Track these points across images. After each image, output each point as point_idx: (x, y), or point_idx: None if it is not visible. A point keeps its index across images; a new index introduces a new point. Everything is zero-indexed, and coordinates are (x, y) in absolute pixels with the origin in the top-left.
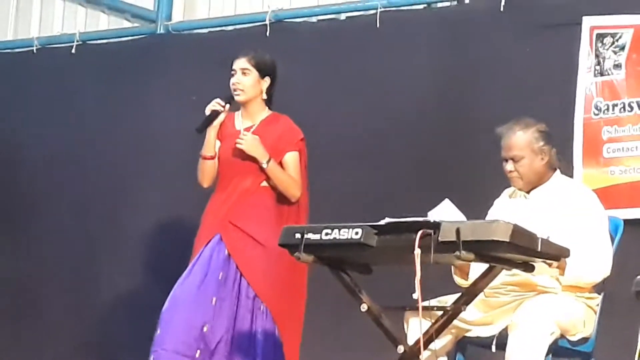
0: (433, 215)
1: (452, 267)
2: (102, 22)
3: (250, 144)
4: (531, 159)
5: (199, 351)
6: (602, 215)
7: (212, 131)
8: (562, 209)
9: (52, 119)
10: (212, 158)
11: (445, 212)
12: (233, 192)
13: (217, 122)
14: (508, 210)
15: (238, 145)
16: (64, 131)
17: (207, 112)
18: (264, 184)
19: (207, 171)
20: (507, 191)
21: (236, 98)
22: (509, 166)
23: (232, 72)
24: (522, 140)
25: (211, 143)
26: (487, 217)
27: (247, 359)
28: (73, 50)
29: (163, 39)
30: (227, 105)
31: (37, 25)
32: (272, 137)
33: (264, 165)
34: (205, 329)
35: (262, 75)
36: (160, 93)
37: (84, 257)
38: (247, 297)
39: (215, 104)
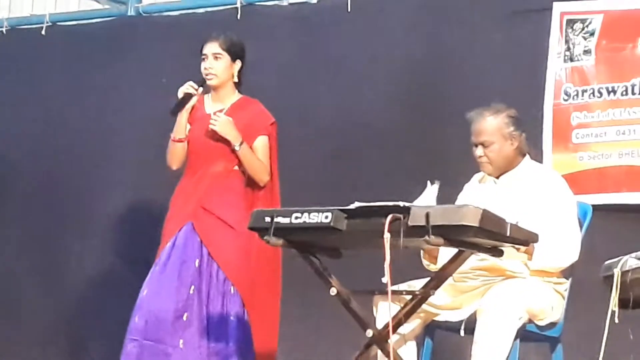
0: (420, 200)
1: (422, 251)
2: (73, 3)
3: (223, 125)
4: (501, 144)
5: (182, 341)
6: (570, 201)
7: (184, 114)
8: (531, 194)
9: (22, 100)
10: (183, 141)
11: (428, 196)
12: (204, 176)
13: (189, 105)
14: (477, 196)
15: (211, 126)
16: (33, 113)
17: (180, 94)
18: (236, 168)
19: (176, 154)
20: (477, 176)
21: (209, 82)
22: (478, 151)
23: (203, 57)
24: (492, 126)
25: (182, 126)
26: (457, 202)
27: (219, 341)
28: (43, 32)
29: (133, 21)
30: (200, 89)
31: (6, 6)
32: (242, 121)
33: (237, 148)
34: (185, 318)
35: (234, 59)
36: (130, 75)
37: (53, 237)
38: (218, 280)
39: (189, 87)
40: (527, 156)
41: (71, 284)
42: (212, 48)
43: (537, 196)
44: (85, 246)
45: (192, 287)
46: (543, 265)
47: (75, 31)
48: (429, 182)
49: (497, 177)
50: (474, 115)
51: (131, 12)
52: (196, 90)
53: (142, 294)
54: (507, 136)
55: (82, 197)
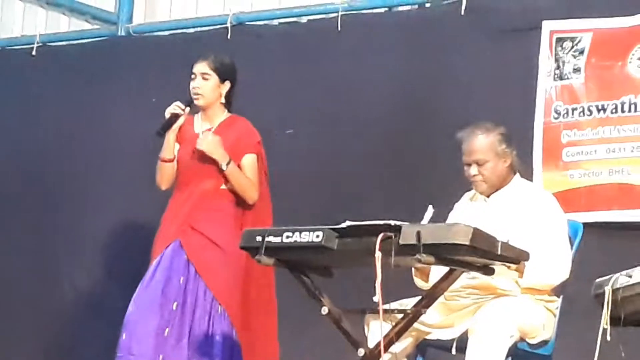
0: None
1: (413, 269)
2: (63, 23)
3: (209, 144)
4: (495, 162)
5: (162, 356)
6: (561, 219)
7: (171, 134)
8: (522, 212)
9: (12, 120)
10: (171, 161)
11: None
12: (192, 195)
13: (176, 125)
14: (468, 214)
15: (197, 146)
16: (23, 133)
17: (167, 115)
18: (224, 186)
19: (165, 174)
20: (468, 194)
21: (196, 102)
22: (472, 170)
23: (192, 76)
24: (485, 144)
25: (170, 146)
26: (448, 221)
27: (204, 359)
28: (33, 52)
29: (124, 41)
30: (187, 109)
31: None
32: (230, 139)
33: (224, 167)
34: (166, 334)
35: (222, 80)
36: (120, 95)
37: (43, 256)
38: (205, 299)
39: (175, 107)
40: (518, 174)
41: (62, 302)
42: (200, 68)
43: (527, 214)
44: (76, 264)
45: (175, 303)
46: (534, 283)
47: (65, 51)
48: (430, 207)
49: (488, 196)
50: (466, 134)
51: (121, 33)
52: (183, 110)
53: (128, 310)
54: (500, 154)
55: (72, 215)
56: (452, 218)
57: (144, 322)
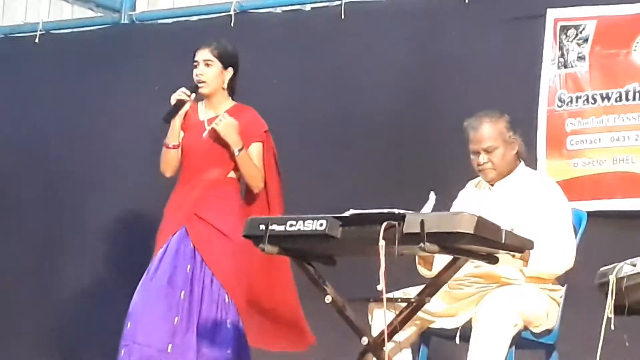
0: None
1: (417, 257)
2: (66, 11)
3: (227, 126)
4: (504, 148)
5: (170, 345)
6: (565, 208)
7: (177, 120)
8: (527, 201)
9: (15, 108)
10: (176, 147)
11: (427, 207)
12: (198, 183)
13: (182, 111)
14: (473, 202)
15: (215, 127)
16: (27, 121)
17: (173, 101)
18: (230, 175)
19: (170, 161)
20: (472, 182)
21: (200, 90)
22: (482, 158)
23: (195, 63)
24: (494, 131)
25: (176, 132)
26: (452, 209)
27: (214, 348)
28: (36, 40)
29: (127, 29)
30: (193, 95)
31: None
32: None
33: (236, 153)
34: (176, 322)
35: (225, 66)
36: (123, 83)
37: (48, 248)
38: (212, 288)
39: (181, 93)
40: (522, 162)
41: (66, 294)
42: (203, 55)
43: (532, 203)
44: (80, 256)
45: (183, 292)
46: (538, 272)
47: (68, 39)
48: (432, 193)
49: (493, 184)
50: (473, 122)
51: (125, 20)
52: (188, 96)
53: (134, 300)
54: (508, 141)
55: (75, 206)
56: (456, 206)
57: (150, 312)
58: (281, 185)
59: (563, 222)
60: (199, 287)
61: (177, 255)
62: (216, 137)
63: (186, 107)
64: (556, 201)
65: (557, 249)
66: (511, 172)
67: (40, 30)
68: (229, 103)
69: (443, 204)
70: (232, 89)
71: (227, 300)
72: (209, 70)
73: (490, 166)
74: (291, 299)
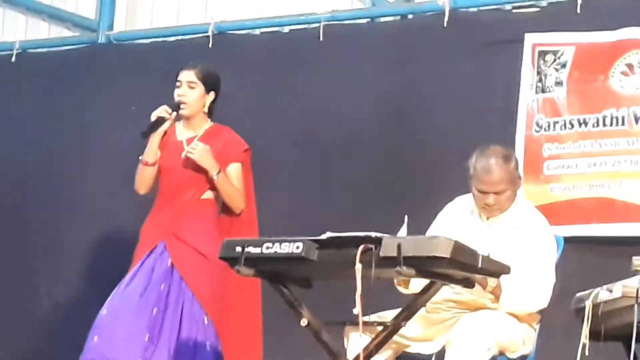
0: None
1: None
2: (43, 30)
3: (201, 154)
4: (512, 190)
5: None
6: (551, 248)
7: (156, 137)
8: (517, 236)
9: None
10: (153, 165)
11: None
12: (174, 204)
13: (162, 129)
14: (464, 229)
15: (189, 155)
16: (2, 140)
17: (153, 117)
18: (206, 196)
19: (145, 178)
20: (459, 200)
21: (180, 112)
22: (490, 200)
23: (178, 84)
24: (506, 175)
25: (154, 149)
26: (435, 223)
27: None
28: (13, 59)
29: (104, 49)
30: (174, 113)
31: None
32: (215, 148)
33: (214, 177)
34: (146, 339)
35: (208, 90)
36: (100, 103)
37: (22, 264)
38: (192, 309)
39: (162, 111)
40: (520, 195)
41: (40, 311)
42: (187, 76)
43: (520, 238)
44: (54, 273)
45: (155, 309)
46: (509, 309)
47: (45, 58)
48: (406, 217)
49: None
50: (485, 162)
51: (102, 40)
52: (169, 114)
53: (101, 313)
54: (516, 182)
55: (50, 224)
56: (441, 225)
57: (120, 327)
58: (255, 208)
59: (545, 261)
60: (176, 307)
61: (151, 273)
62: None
63: (166, 125)
64: (543, 240)
65: (532, 288)
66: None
67: (17, 49)
68: (208, 124)
69: (422, 225)
70: (211, 111)
71: (206, 322)
72: (192, 93)
73: (498, 207)
74: (257, 321)
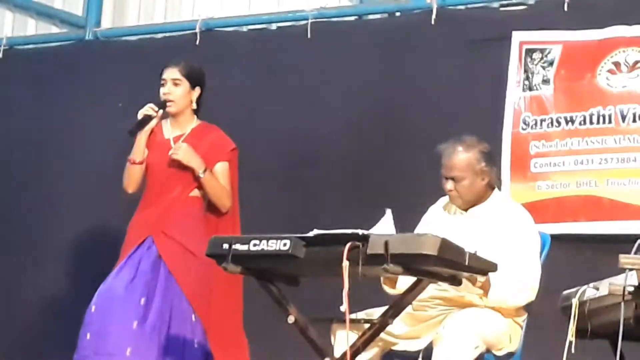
0: (377, 229)
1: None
2: (30, 27)
3: (185, 153)
4: (472, 180)
5: (129, 349)
6: (534, 240)
7: (143, 136)
8: (497, 229)
9: None
10: (141, 163)
11: (385, 224)
12: (161, 201)
13: (148, 127)
14: (444, 225)
15: (173, 156)
16: None
17: (140, 116)
18: (193, 193)
19: (133, 176)
20: (443, 200)
21: (167, 109)
22: (449, 185)
23: (162, 82)
24: (463, 162)
25: (141, 148)
26: (421, 224)
27: None
28: (0, 55)
29: (92, 45)
30: (160, 111)
31: None
32: (202, 146)
33: (201, 175)
34: (134, 326)
35: (193, 86)
36: (87, 99)
37: (7, 262)
38: (180, 305)
39: (148, 109)
40: (496, 190)
41: (25, 309)
42: (171, 73)
43: (502, 232)
44: (40, 270)
45: (143, 299)
46: (498, 303)
47: (33, 55)
48: (387, 210)
49: (466, 210)
50: (446, 149)
51: (89, 37)
52: (156, 112)
53: (90, 310)
54: (478, 172)
55: (37, 221)
56: (425, 222)
57: (109, 321)
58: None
59: (530, 254)
60: (164, 301)
61: (138, 265)
62: None
63: (152, 123)
64: (526, 233)
65: (520, 281)
66: (484, 200)
67: (4, 46)
68: (195, 122)
69: (410, 222)
70: (198, 107)
71: (194, 319)
72: (177, 90)
73: (456, 194)
74: (238, 316)
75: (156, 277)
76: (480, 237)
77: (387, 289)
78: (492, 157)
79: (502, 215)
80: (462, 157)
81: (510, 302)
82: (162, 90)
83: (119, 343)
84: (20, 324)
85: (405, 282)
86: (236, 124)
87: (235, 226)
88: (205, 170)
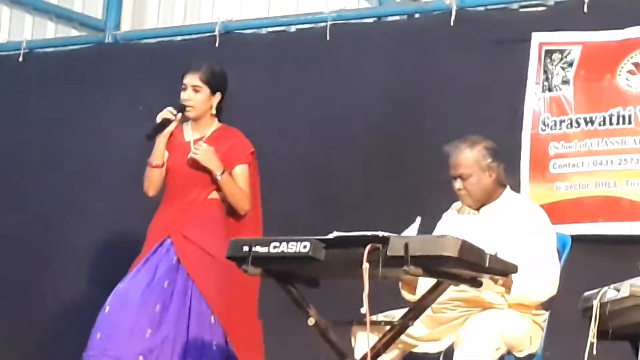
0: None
1: (400, 281)
2: (50, 30)
3: (205, 154)
4: (479, 176)
5: (141, 357)
6: (550, 235)
7: (162, 139)
8: (512, 226)
9: None
10: (160, 167)
11: (412, 231)
12: (181, 204)
13: (167, 131)
14: (458, 227)
15: (193, 156)
16: (9, 140)
17: (159, 119)
18: (212, 196)
19: (154, 179)
20: (456, 205)
21: (187, 114)
22: (457, 184)
23: (183, 87)
24: (469, 158)
25: (160, 151)
26: (435, 231)
27: None
28: (20, 59)
29: (111, 48)
30: (179, 115)
31: None
32: (222, 149)
33: (218, 177)
34: (148, 334)
35: (213, 91)
36: (107, 102)
37: (29, 266)
38: (199, 308)
39: (167, 112)
40: (508, 188)
41: (47, 313)
42: (192, 80)
43: (517, 229)
44: (61, 274)
45: (158, 305)
46: (521, 299)
47: (52, 58)
48: (417, 218)
49: (478, 209)
50: (451, 148)
51: (109, 39)
52: (174, 116)
53: (103, 311)
54: (484, 168)
55: (57, 224)
56: (440, 229)
57: (120, 323)
58: (260, 208)
59: (547, 248)
60: (183, 305)
61: (155, 270)
62: None
63: (172, 126)
64: (541, 228)
65: (541, 276)
66: (495, 198)
67: (24, 49)
68: (215, 125)
69: (426, 227)
70: (219, 111)
71: (213, 321)
72: (197, 96)
73: (465, 193)
74: (256, 318)
75: (174, 281)
76: (494, 235)
77: (406, 294)
78: (497, 154)
79: (515, 212)
80: (466, 153)
81: (532, 297)
82: (182, 94)
83: (130, 349)
84: (39, 325)
85: (424, 288)
86: (255, 126)
87: (257, 229)
88: (223, 173)
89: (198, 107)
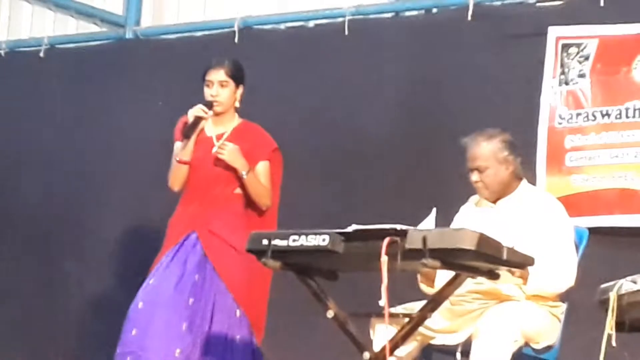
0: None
1: (418, 274)
2: (71, 26)
3: (231, 154)
4: (496, 169)
5: (178, 350)
6: (567, 226)
7: (193, 136)
8: (529, 219)
9: (20, 123)
10: (188, 163)
11: (428, 223)
12: (204, 198)
13: (199, 128)
14: (475, 219)
15: (219, 155)
16: (31, 135)
17: (191, 118)
18: (237, 191)
19: (180, 175)
20: (473, 199)
21: (215, 110)
22: (474, 176)
23: (208, 84)
24: (486, 151)
25: (191, 148)
26: (453, 224)
27: None
28: (41, 54)
29: (131, 44)
30: (210, 112)
31: (5, 28)
32: (244, 146)
33: (244, 176)
34: (184, 328)
35: (237, 85)
36: (127, 98)
37: (52, 261)
38: (224, 302)
39: (199, 110)
40: (524, 180)
41: (70, 307)
42: (218, 75)
43: (534, 221)
44: (84, 269)
45: (191, 299)
46: (538, 290)
47: (73, 53)
48: (433, 209)
49: (495, 202)
50: (468, 141)
51: (129, 35)
52: (206, 113)
53: (137, 306)
54: (501, 161)
55: (79, 219)
56: (458, 222)
57: (156, 318)
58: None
59: (564, 240)
60: (208, 299)
61: (185, 264)
62: None
63: (203, 123)
64: (558, 219)
65: (558, 267)
66: (512, 191)
67: (45, 45)
68: (236, 120)
69: (444, 220)
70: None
71: (238, 314)
72: (224, 91)
73: (482, 185)
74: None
75: (203, 275)
76: (511, 228)
77: (425, 288)
78: (514, 146)
79: (532, 204)
80: (484, 146)
81: (549, 289)
82: (208, 91)
83: (168, 343)
84: (64, 320)
85: (442, 280)
86: (274, 121)
87: (272, 223)
88: (248, 172)
89: (225, 102)
